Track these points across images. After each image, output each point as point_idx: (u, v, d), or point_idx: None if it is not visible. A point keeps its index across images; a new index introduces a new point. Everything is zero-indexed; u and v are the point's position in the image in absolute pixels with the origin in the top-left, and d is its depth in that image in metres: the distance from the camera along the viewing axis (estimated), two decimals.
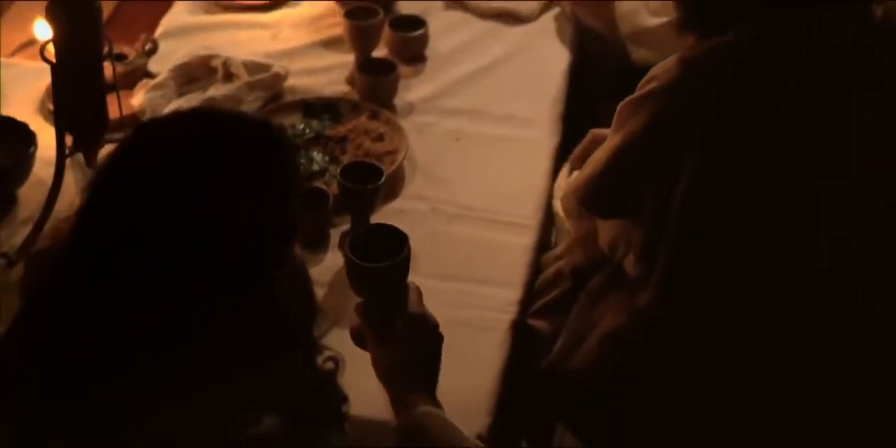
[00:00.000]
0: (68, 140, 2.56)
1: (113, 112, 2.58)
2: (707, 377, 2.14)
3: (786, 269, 2.07)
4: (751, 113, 2.00)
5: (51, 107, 2.85)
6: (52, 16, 2.43)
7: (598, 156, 2.21)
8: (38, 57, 2.81)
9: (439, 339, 1.89)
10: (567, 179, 2.51)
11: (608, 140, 2.20)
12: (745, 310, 2.09)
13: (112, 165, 1.49)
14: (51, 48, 2.46)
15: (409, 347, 1.86)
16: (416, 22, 3.04)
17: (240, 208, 1.45)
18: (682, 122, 2.05)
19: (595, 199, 2.25)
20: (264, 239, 1.47)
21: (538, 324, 2.41)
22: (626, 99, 2.15)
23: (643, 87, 2.12)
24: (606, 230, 2.30)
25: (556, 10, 3.21)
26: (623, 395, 2.22)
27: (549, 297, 2.44)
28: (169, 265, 1.41)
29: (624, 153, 2.14)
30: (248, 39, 3.13)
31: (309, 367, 1.63)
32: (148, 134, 1.52)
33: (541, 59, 3.07)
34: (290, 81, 2.95)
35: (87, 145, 2.58)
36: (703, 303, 2.13)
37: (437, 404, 1.84)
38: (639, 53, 2.93)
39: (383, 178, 2.45)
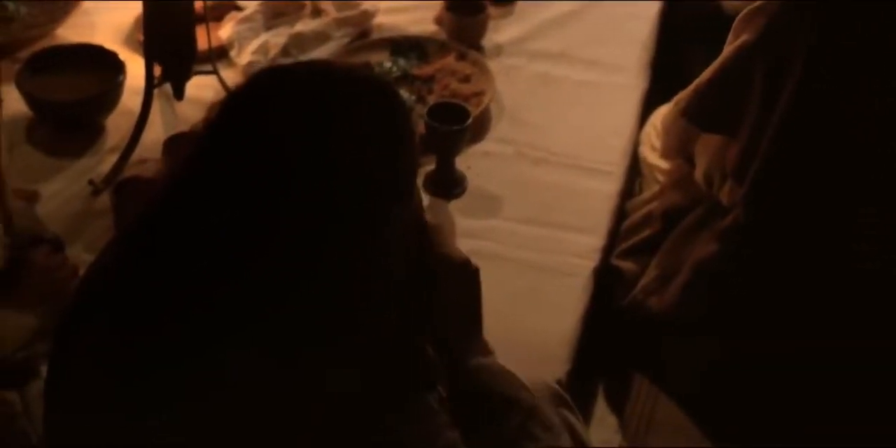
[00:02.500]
0: (157, 70, 2.57)
1: (201, 43, 2.58)
2: (794, 310, 2.14)
3: (874, 195, 2.07)
4: (856, 32, 2.01)
5: (140, 37, 2.85)
6: None
7: (708, 69, 2.23)
8: None
9: (472, 275, 1.77)
10: (662, 122, 2.49)
11: (721, 53, 2.21)
12: (828, 233, 2.12)
13: (234, 107, 1.49)
14: None
15: (443, 289, 1.76)
16: None
17: (358, 163, 1.45)
18: (792, 34, 2.06)
19: (699, 108, 2.26)
20: (379, 193, 1.47)
21: (623, 264, 2.41)
22: (745, 10, 2.16)
23: None
24: (703, 158, 2.30)
25: None
26: (711, 329, 2.22)
27: (636, 238, 2.43)
28: (282, 211, 1.41)
29: (734, 62, 2.16)
30: None
31: (411, 330, 1.60)
32: (272, 81, 1.50)
33: (629, 5, 3.02)
34: (378, 19, 2.93)
35: (175, 76, 2.58)
36: (787, 223, 2.15)
37: (487, 350, 1.78)
38: (731, 2, 2.89)
39: (470, 120, 2.43)
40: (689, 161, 2.41)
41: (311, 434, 1.43)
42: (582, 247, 2.39)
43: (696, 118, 2.27)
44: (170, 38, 2.52)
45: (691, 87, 2.29)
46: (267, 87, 1.49)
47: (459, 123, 2.42)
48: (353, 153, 1.45)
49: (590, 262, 2.37)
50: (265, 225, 1.40)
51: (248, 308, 1.39)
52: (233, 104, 1.50)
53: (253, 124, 1.45)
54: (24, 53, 2.77)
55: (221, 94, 2.69)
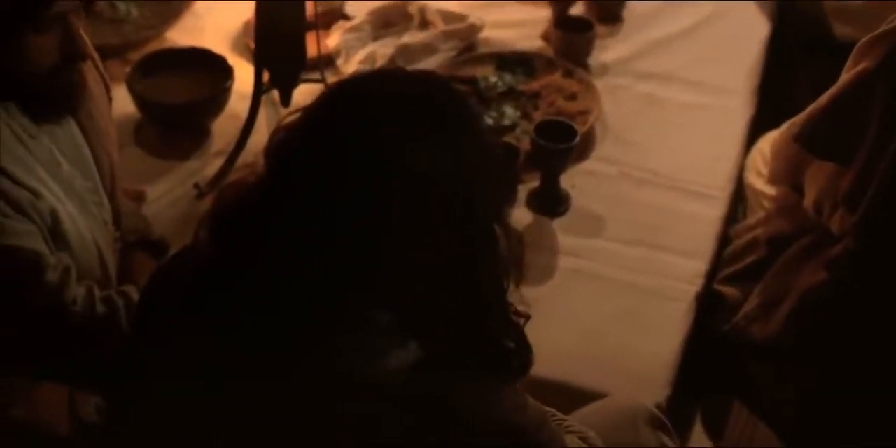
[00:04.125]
0: (265, 76, 2.58)
1: (310, 51, 2.59)
2: None
3: None
4: None
5: (248, 41, 2.88)
6: None
7: (824, 95, 2.20)
8: None
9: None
10: (772, 148, 2.47)
11: (839, 79, 2.18)
12: None
13: (326, 111, 1.49)
14: None
15: None
16: None
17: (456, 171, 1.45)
18: None
19: (814, 134, 2.22)
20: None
21: (726, 290, 2.38)
22: (865, 37, 2.13)
23: (886, 24, 2.10)
24: (814, 186, 2.26)
25: None
26: (813, 358, 2.19)
27: (740, 264, 2.40)
28: (371, 208, 1.42)
29: (853, 89, 2.13)
30: None
31: (498, 320, 1.60)
32: (359, 88, 1.51)
33: (739, 27, 3.00)
34: (485, 33, 2.93)
35: (283, 83, 2.59)
36: None
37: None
38: (843, 29, 2.86)
39: (577, 139, 2.42)
40: (797, 188, 2.37)
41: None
42: (685, 271, 2.37)
43: (810, 144, 2.24)
44: (280, 44, 2.54)
45: (805, 112, 2.26)
46: (351, 93, 1.50)
47: (566, 141, 2.41)
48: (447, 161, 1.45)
49: (692, 287, 2.35)
50: (351, 229, 1.41)
51: (345, 313, 1.42)
52: (323, 112, 1.50)
53: (340, 131, 1.45)
54: (135, 55, 2.81)
55: None
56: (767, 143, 2.58)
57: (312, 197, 1.42)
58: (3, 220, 1.80)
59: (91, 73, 2.00)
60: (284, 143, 1.49)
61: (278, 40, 2.53)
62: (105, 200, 2.05)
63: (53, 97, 1.89)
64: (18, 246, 1.79)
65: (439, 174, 1.43)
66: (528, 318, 1.77)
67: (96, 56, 2.08)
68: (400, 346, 1.44)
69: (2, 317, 1.84)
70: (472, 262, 1.48)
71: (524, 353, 1.60)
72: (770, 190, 2.50)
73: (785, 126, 2.37)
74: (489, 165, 1.50)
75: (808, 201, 2.30)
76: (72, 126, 1.99)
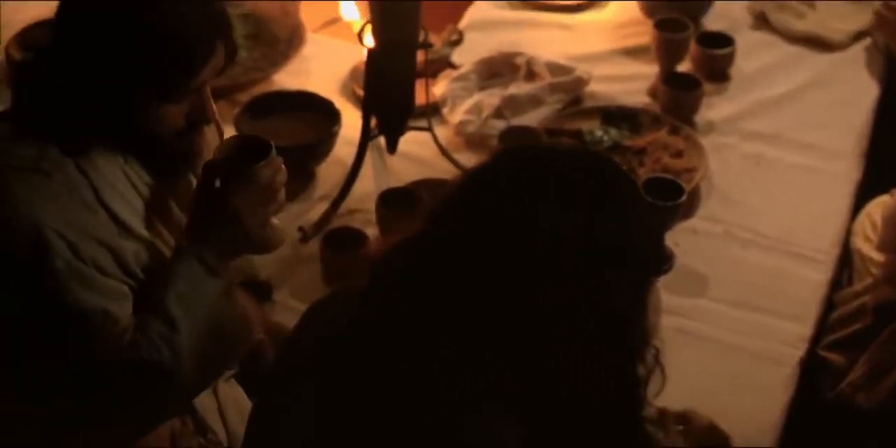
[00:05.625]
0: (372, 122, 2.59)
1: (416, 99, 2.60)
2: None
3: None
4: None
5: (355, 87, 2.90)
6: (377, 1, 2.46)
7: None
8: (342, 34, 2.85)
9: None
10: (882, 214, 2.43)
11: None
12: None
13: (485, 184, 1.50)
14: (367, 30, 2.50)
15: None
16: (724, 39, 2.98)
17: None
18: None
19: None
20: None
21: (831, 356, 2.35)
22: None
23: None
24: None
25: (866, 41, 3.11)
26: None
27: (845, 331, 2.37)
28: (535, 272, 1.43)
29: None
30: (550, 39, 3.13)
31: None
32: (534, 161, 1.51)
33: (848, 90, 2.97)
34: (591, 86, 2.93)
35: (390, 130, 2.61)
36: None
37: None
38: None
39: (684, 197, 2.40)
40: None
41: None
42: (789, 335, 2.34)
43: None
44: (390, 92, 2.55)
45: None
46: (522, 167, 1.50)
47: (672, 199, 2.39)
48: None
49: (797, 351, 2.32)
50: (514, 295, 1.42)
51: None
52: (481, 180, 1.51)
53: (503, 203, 1.46)
54: (243, 96, 2.83)
55: (433, 150, 2.70)
56: (877, 208, 2.55)
57: (476, 264, 1.43)
58: (101, 277, 1.79)
59: (210, 131, 2.02)
60: (455, 209, 1.50)
61: (388, 88, 2.55)
62: None
63: (175, 158, 1.89)
64: (104, 308, 1.79)
65: (614, 244, 1.45)
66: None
67: (218, 117, 2.09)
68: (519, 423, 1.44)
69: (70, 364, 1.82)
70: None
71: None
72: (878, 256, 2.47)
73: (894, 193, 2.34)
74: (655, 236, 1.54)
75: None
76: (189, 176, 2.00)
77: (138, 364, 1.78)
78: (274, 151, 1.87)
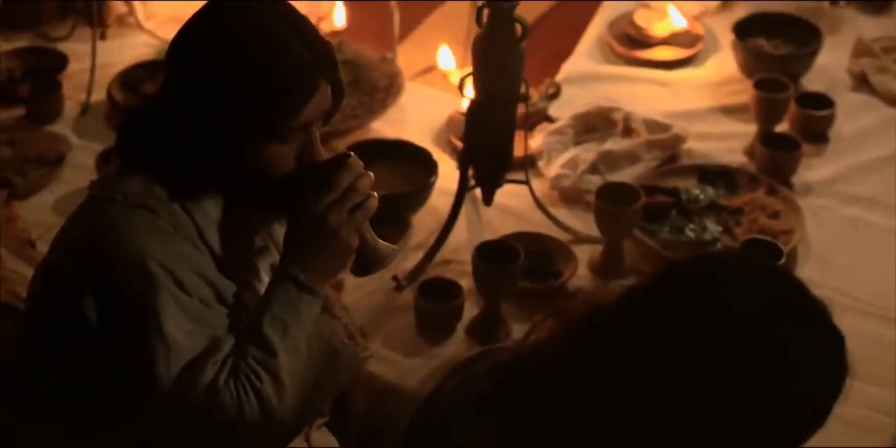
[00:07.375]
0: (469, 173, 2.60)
1: (514, 151, 2.61)
2: None
3: None
4: None
5: (450, 136, 2.92)
6: (479, 53, 2.47)
7: None
8: (436, 83, 2.86)
9: None
10: None
11: None
12: None
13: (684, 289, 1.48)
14: (469, 81, 2.51)
15: None
16: (824, 100, 2.97)
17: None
18: None
19: None
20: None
21: None
22: None
23: None
24: None
25: None
26: None
27: None
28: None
29: None
30: (647, 95, 3.13)
31: None
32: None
33: None
34: (688, 144, 2.92)
35: (487, 182, 2.61)
36: None
37: None
38: None
39: (783, 258, 2.38)
40: None
41: None
42: (885, 403, 2.31)
43: None
44: (488, 144, 2.56)
45: None
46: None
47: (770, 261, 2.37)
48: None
49: (892, 420, 2.28)
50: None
51: None
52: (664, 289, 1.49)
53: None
54: (340, 143, 2.85)
55: (528, 202, 2.70)
56: None
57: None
58: (205, 308, 1.82)
59: None
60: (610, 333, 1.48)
61: (487, 140, 2.56)
62: None
63: (283, 199, 1.89)
64: (212, 335, 1.80)
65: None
66: None
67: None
68: None
69: None
70: None
71: None
72: None
73: None
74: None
75: None
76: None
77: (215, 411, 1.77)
78: (353, 157, 1.87)
